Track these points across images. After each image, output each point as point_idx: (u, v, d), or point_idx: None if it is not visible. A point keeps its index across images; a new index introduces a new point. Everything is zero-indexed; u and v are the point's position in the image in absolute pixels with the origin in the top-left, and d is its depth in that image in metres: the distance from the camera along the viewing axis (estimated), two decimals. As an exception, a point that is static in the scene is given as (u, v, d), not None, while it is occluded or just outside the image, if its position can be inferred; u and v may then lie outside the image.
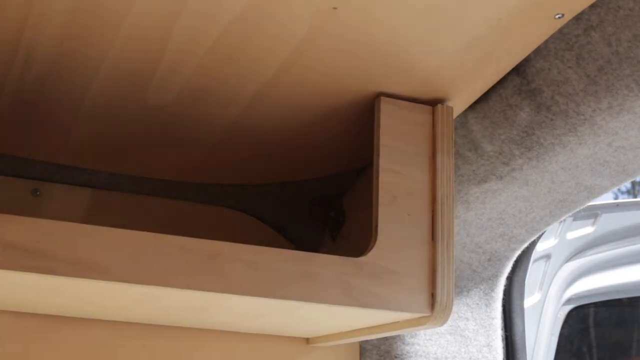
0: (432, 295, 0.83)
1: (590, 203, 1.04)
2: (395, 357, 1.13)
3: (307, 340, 1.10)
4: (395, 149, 0.86)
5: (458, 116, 0.92)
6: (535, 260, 1.90)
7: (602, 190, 0.98)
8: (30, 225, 0.74)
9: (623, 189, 8.11)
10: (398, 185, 0.85)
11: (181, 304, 0.86)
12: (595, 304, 2.21)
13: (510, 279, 1.27)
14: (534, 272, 1.91)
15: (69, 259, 0.74)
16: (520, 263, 1.31)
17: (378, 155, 0.85)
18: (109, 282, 0.75)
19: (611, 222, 2.05)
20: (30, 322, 0.99)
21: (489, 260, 1.15)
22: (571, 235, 2.01)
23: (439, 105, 0.87)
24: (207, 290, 0.77)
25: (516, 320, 1.28)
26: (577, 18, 0.77)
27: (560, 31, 0.79)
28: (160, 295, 0.80)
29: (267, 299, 0.79)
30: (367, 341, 1.13)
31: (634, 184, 8.02)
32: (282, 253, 0.80)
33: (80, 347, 1.01)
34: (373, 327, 0.93)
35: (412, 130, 0.87)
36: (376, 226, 0.84)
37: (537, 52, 0.82)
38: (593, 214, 2.02)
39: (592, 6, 0.75)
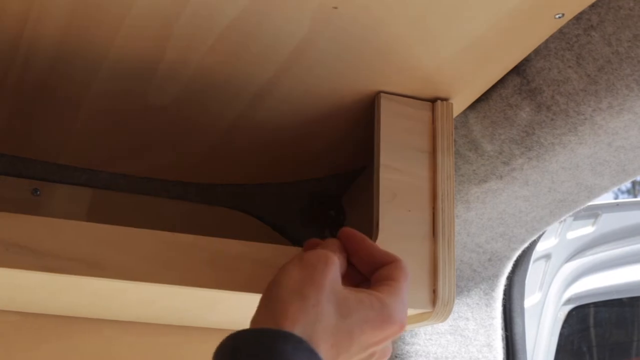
0: (434, 292, 0.83)
1: (591, 203, 1.04)
2: (396, 356, 1.13)
3: (308, 339, 1.10)
4: (396, 146, 0.86)
5: (458, 116, 0.92)
6: (536, 260, 1.90)
7: (603, 190, 0.98)
8: (34, 224, 0.74)
9: (623, 188, 8.11)
10: (398, 182, 0.85)
11: (186, 302, 0.86)
12: (596, 304, 2.21)
13: (510, 279, 1.27)
14: (534, 272, 1.91)
15: (74, 257, 0.74)
16: (521, 263, 1.31)
17: (378, 152, 0.85)
18: (114, 280, 0.75)
19: (611, 222, 2.05)
20: (34, 321, 0.99)
21: (490, 260, 1.15)
22: (571, 235, 2.01)
23: (439, 102, 0.87)
24: (213, 288, 0.77)
25: (516, 320, 1.28)
26: (578, 18, 0.77)
27: (561, 31, 0.79)
28: (165, 293, 0.80)
29: None
30: (367, 341, 1.12)
31: (634, 183, 8.02)
32: (286, 250, 0.80)
33: (84, 346, 1.01)
34: (374, 326, 0.93)
35: (412, 127, 0.87)
36: (377, 223, 0.84)
37: (538, 51, 0.82)
38: (593, 213, 2.02)
39: (592, 6, 0.75)
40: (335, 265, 0.72)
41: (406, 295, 0.75)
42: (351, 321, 0.70)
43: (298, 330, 0.66)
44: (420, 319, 0.85)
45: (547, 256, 1.97)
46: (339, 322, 0.69)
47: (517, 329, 1.27)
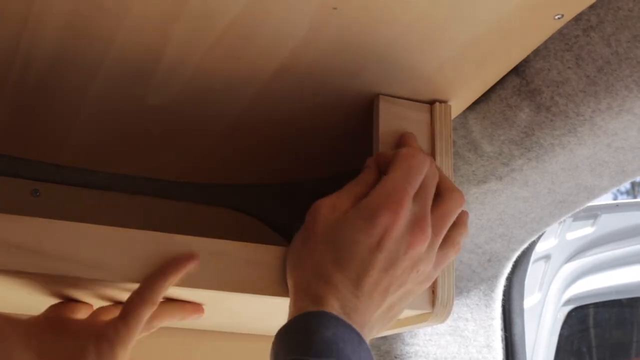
0: (433, 292, 0.83)
1: (590, 204, 1.04)
2: (395, 357, 1.13)
3: (307, 340, 1.09)
4: (394, 148, 0.86)
5: (457, 117, 0.92)
6: (535, 260, 1.91)
7: (602, 191, 0.98)
8: (34, 225, 0.74)
9: (623, 189, 8.11)
10: (397, 184, 0.85)
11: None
12: (595, 305, 2.21)
13: (510, 280, 1.27)
14: (533, 272, 1.92)
15: (73, 258, 0.74)
16: (520, 263, 1.31)
17: (377, 154, 0.85)
18: (114, 281, 0.75)
19: (611, 222, 2.06)
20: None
21: (489, 260, 1.15)
22: (571, 235, 2.02)
23: (437, 104, 0.87)
24: (212, 289, 0.77)
25: (516, 320, 1.28)
26: (577, 19, 0.77)
27: (560, 32, 0.79)
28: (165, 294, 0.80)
29: (270, 297, 0.79)
30: (366, 341, 1.12)
31: (633, 184, 8.02)
32: (285, 251, 0.80)
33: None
34: (373, 326, 0.93)
35: (411, 129, 0.87)
36: (376, 225, 0.84)
37: (537, 52, 0.82)
38: (593, 214, 2.03)
39: (591, 7, 0.75)
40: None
41: (404, 174, 0.69)
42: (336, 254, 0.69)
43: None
44: (419, 320, 0.85)
45: (546, 257, 1.97)
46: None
47: (516, 330, 1.28)
